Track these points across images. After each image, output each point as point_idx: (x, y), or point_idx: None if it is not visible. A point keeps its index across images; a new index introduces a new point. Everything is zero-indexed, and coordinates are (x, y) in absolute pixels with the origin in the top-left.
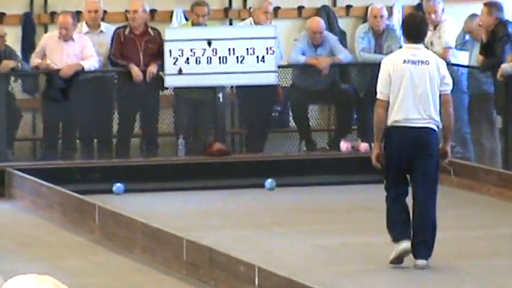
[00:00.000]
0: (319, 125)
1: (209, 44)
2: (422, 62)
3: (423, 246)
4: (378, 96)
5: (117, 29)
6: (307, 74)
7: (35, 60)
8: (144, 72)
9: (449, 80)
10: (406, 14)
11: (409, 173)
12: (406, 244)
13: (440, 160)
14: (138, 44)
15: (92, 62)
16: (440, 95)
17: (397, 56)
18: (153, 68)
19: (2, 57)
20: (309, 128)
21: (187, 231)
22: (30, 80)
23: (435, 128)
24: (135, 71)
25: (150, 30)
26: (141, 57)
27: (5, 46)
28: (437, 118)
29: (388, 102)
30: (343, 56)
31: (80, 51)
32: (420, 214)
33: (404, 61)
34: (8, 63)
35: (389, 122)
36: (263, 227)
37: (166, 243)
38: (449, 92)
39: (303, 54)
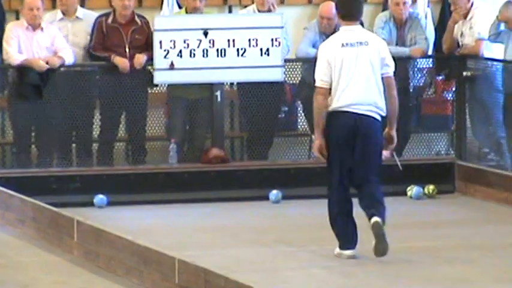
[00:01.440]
0: None
1: (205, 34)
2: (361, 43)
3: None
4: (317, 84)
5: (99, 17)
6: None
7: (15, 56)
8: (131, 64)
9: (390, 61)
10: None
11: (351, 160)
12: (351, 253)
13: (386, 146)
14: (124, 34)
15: (68, 56)
16: (382, 78)
17: (334, 40)
18: (141, 58)
19: None
20: None
21: (179, 250)
22: None
23: (378, 117)
24: (120, 60)
25: (137, 18)
26: (127, 49)
27: None
28: (381, 103)
29: (328, 89)
30: None
31: (50, 43)
32: (369, 202)
33: (343, 45)
34: None
35: (330, 109)
36: (266, 245)
37: (155, 263)
38: (391, 74)
39: (314, 46)
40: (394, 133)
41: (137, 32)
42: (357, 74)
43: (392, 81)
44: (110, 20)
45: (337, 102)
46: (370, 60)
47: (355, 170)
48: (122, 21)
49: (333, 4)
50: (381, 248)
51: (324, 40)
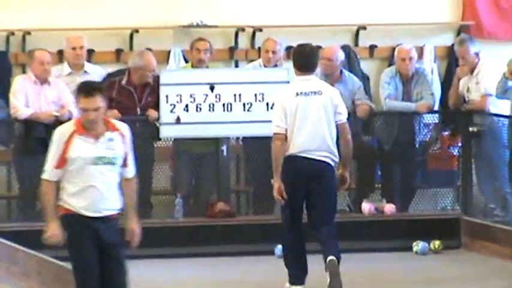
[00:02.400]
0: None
1: (212, 88)
2: (314, 93)
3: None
4: (274, 130)
5: (110, 75)
6: None
7: (23, 110)
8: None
9: (342, 108)
10: (296, 45)
11: (306, 202)
12: None
13: (339, 186)
14: (137, 97)
15: (75, 110)
16: (336, 125)
17: (290, 88)
18: (154, 114)
19: None
20: None
21: None
22: (4, 129)
23: (331, 162)
24: (112, 113)
25: (151, 79)
26: (138, 111)
27: None
28: (334, 148)
29: (285, 134)
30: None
31: (57, 98)
32: (326, 241)
33: (297, 94)
34: None
35: (287, 154)
36: None
37: None
38: (344, 120)
39: None
40: (347, 174)
41: (150, 94)
42: (310, 121)
43: (346, 126)
44: (124, 81)
45: (292, 148)
46: (323, 109)
47: (312, 213)
48: (137, 82)
49: (334, 48)
50: (334, 286)
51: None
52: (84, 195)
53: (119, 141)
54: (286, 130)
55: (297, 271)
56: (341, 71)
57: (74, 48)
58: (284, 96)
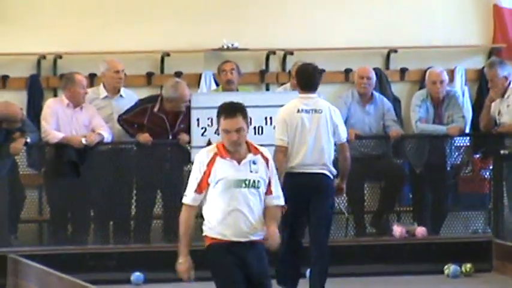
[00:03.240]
0: (369, 206)
1: None
2: (315, 111)
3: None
4: (278, 143)
5: (143, 101)
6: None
7: (54, 134)
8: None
9: (342, 128)
10: (299, 65)
11: (306, 215)
12: None
13: (336, 195)
14: (169, 124)
15: (106, 134)
16: (335, 144)
17: (292, 105)
18: (186, 138)
19: (18, 131)
20: (362, 208)
21: None
22: (36, 152)
23: (329, 174)
24: (144, 138)
25: (184, 107)
26: (170, 137)
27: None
28: (331, 166)
29: (287, 148)
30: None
31: (88, 122)
32: (317, 250)
33: (299, 110)
34: (17, 147)
35: (287, 168)
36: None
37: None
38: (344, 140)
39: (348, 111)
40: (343, 185)
41: (183, 121)
42: (309, 138)
43: (345, 145)
44: (156, 109)
45: (292, 163)
46: (323, 127)
47: (311, 221)
48: (169, 110)
49: (369, 67)
50: None
51: (359, 105)
52: (229, 220)
53: (262, 164)
54: (288, 143)
55: (292, 281)
56: (372, 92)
57: (116, 72)
58: (287, 112)
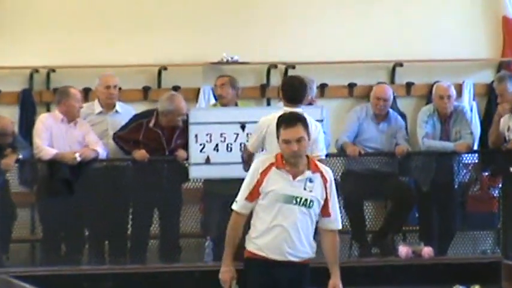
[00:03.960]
0: (373, 225)
1: (243, 127)
2: None
3: None
4: (249, 147)
5: (138, 116)
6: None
7: (46, 150)
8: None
9: (321, 144)
10: (285, 77)
11: None
12: None
13: None
14: (164, 140)
15: (101, 150)
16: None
17: (274, 117)
18: (184, 155)
19: (9, 147)
20: (364, 227)
21: None
22: (28, 169)
23: None
24: (140, 155)
25: (181, 121)
26: (166, 152)
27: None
28: None
29: (253, 154)
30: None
31: (82, 138)
32: None
33: None
34: (9, 163)
35: None
36: None
37: None
38: (323, 156)
39: (359, 126)
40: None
41: (179, 137)
42: None
43: (323, 161)
44: (151, 124)
45: None
46: None
47: None
48: (165, 125)
49: (387, 87)
50: None
51: (373, 122)
52: (270, 235)
53: (319, 183)
54: (256, 150)
55: None
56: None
57: (107, 87)
58: (266, 124)
